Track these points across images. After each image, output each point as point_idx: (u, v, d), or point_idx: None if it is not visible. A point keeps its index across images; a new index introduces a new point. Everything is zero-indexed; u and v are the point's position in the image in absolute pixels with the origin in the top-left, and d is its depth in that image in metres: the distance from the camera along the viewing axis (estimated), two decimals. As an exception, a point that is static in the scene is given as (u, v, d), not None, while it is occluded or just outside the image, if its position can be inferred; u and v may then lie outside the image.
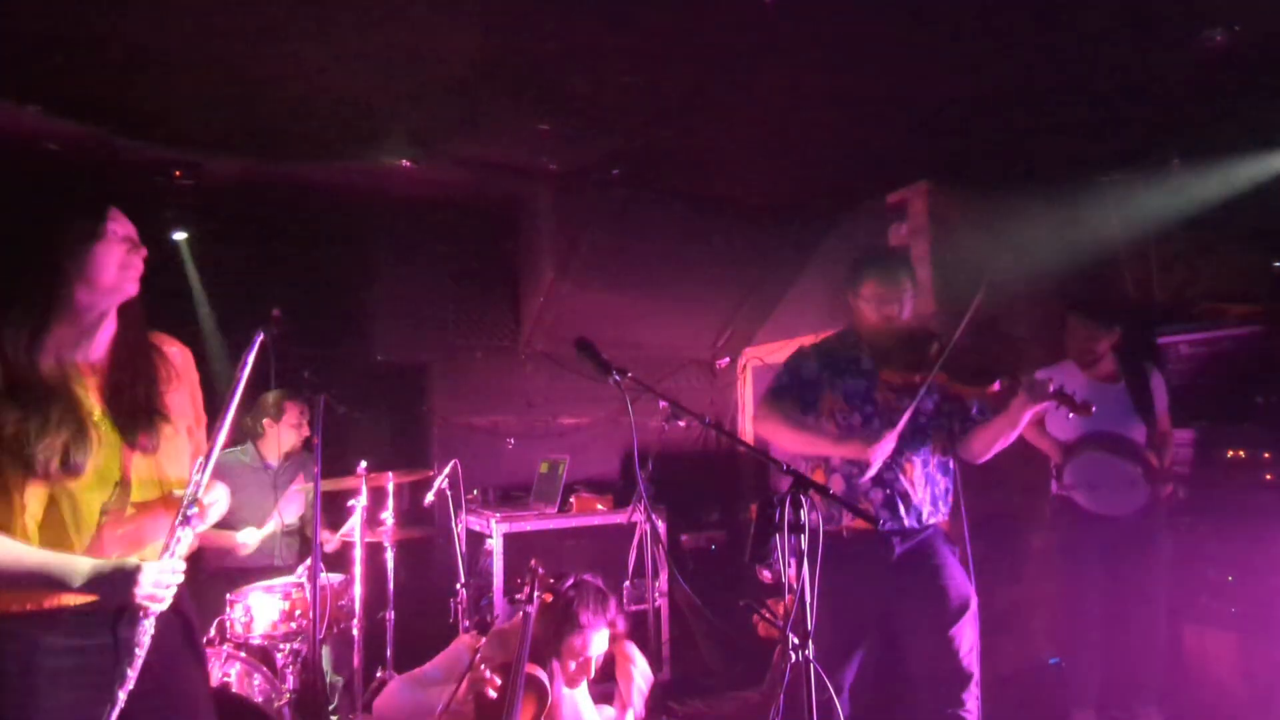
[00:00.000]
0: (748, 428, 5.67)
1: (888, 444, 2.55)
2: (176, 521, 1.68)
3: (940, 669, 2.65)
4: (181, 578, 1.68)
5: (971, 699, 2.65)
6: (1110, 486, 3.55)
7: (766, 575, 4.08)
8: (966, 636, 2.66)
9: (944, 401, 2.77)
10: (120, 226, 1.73)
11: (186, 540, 1.69)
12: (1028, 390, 2.51)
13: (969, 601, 2.69)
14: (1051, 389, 2.47)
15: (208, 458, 1.70)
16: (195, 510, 1.68)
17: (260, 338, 1.80)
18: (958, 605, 2.66)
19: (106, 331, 1.75)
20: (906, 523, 2.68)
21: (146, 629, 1.63)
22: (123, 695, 1.58)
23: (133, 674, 1.60)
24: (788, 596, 1.96)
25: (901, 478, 2.70)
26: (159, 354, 1.83)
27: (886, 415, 2.69)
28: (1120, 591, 3.63)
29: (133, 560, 1.64)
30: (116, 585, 1.61)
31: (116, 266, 1.70)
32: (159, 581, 1.63)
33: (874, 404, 2.73)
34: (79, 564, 1.60)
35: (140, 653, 1.61)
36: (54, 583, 1.58)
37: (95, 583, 1.60)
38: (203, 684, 1.91)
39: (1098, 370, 3.70)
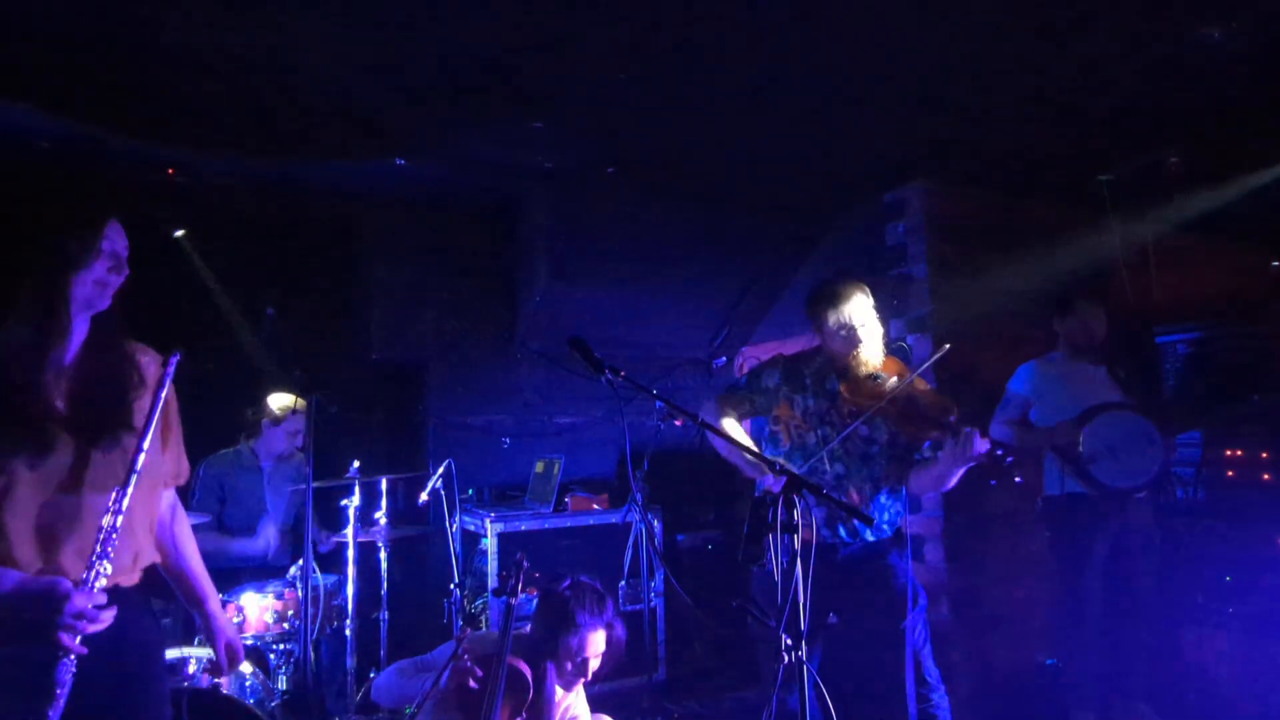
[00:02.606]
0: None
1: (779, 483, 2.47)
2: (94, 554, 1.62)
3: (896, 664, 2.69)
4: (109, 617, 1.62)
5: (936, 694, 2.73)
6: (1131, 448, 3.49)
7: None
8: (919, 631, 2.75)
9: (899, 435, 2.79)
10: (110, 243, 1.72)
11: (105, 573, 1.63)
12: (951, 450, 2.52)
13: (919, 597, 2.77)
14: (980, 450, 2.46)
15: (124, 487, 1.65)
16: (115, 541, 1.63)
17: (177, 359, 1.76)
18: (903, 599, 2.71)
19: (78, 337, 1.74)
20: (845, 539, 2.76)
21: (68, 668, 1.56)
22: None
23: (54, 716, 1.54)
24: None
25: (844, 500, 2.74)
26: (131, 362, 1.83)
27: (844, 441, 2.75)
28: (1120, 590, 3.61)
29: (65, 584, 1.59)
30: (40, 604, 1.56)
31: (93, 283, 1.70)
32: (82, 613, 1.57)
33: (831, 425, 2.78)
34: (6, 575, 1.57)
35: (62, 694, 1.55)
36: None
37: (19, 598, 1.57)
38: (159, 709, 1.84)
39: (1088, 354, 3.74)
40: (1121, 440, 3.50)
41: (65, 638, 1.56)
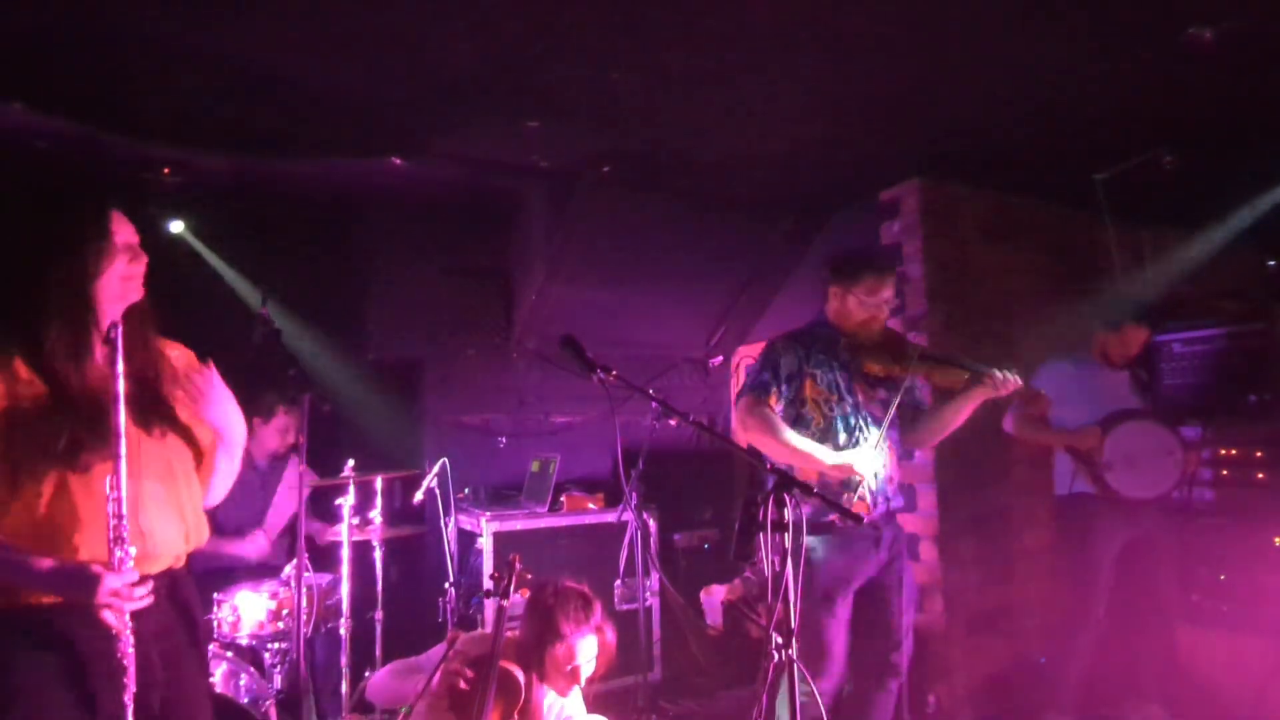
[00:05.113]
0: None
1: (868, 454, 2.71)
2: (110, 539, 1.66)
3: (890, 638, 2.90)
4: (146, 591, 1.68)
5: (903, 657, 2.93)
6: (1150, 459, 3.51)
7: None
8: (909, 613, 2.99)
9: (913, 390, 2.95)
10: (121, 235, 1.78)
11: (132, 554, 1.67)
12: (986, 385, 2.73)
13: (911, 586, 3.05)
14: (1010, 388, 2.72)
15: (115, 472, 1.67)
16: (127, 527, 1.67)
17: (120, 327, 1.76)
18: (909, 588, 2.99)
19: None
20: (893, 504, 2.88)
21: (127, 639, 1.64)
22: (128, 700, 1.62)
23: (129, 683, 1.63)
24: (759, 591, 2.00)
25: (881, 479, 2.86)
26: (162, 356, 1.90)
27: (867, 406, 2.85)
28: (1131, 590, 3.60)
29: (95, 566, 1.65)
30: (77, 586, 1.63)
31: (119, 278, 1.77)
32: (118, 591, 1.64)
33: (854, 395, 2.85)
34: (40, 562, 1.63)
35: (130, 665, 1.64)
36: (13, 576, 1.63)
37: (57, 581, 1.64)
38: (203, 688, 1.94)
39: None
40: (1141, 450, 3.51)
41: (109, 616, 1.63)
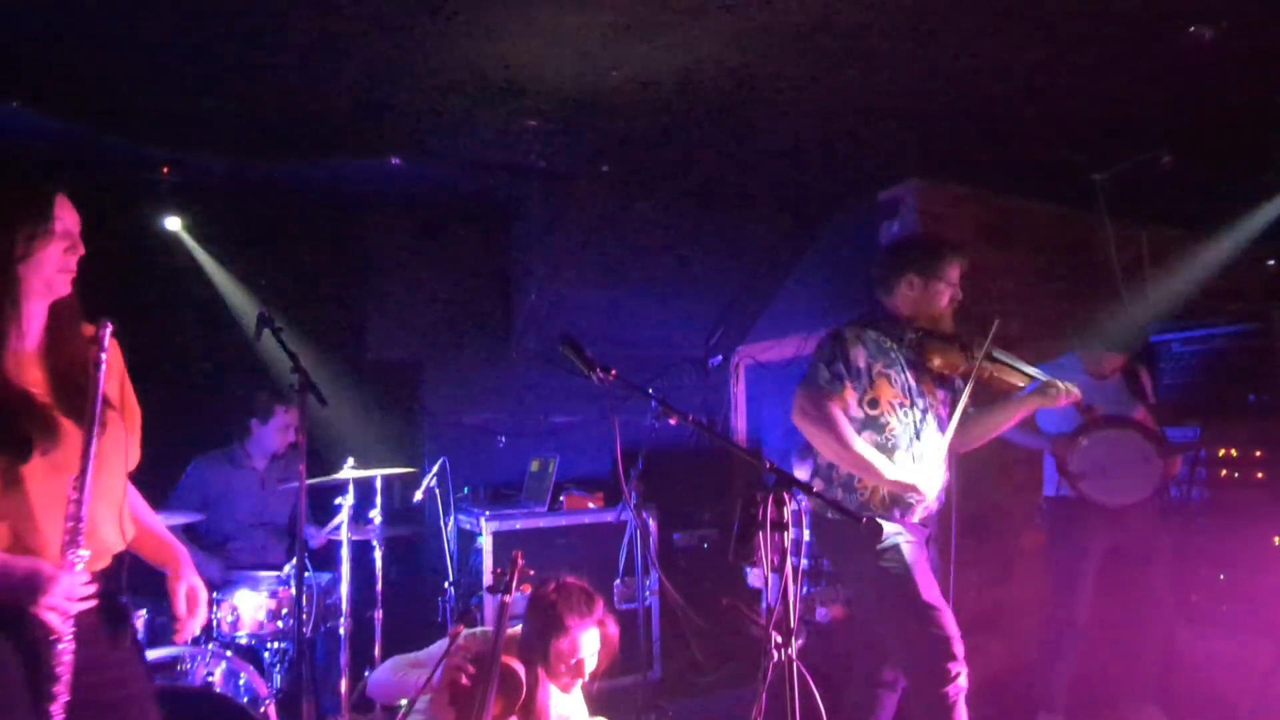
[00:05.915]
0: (740, 426, 5.65)
1: (932, 471, 2.61)
2: (66, 539, 1.59)
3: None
4: (89, 593, 1.60)
5: None
6: (1123, 467, 3.47)
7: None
8: None
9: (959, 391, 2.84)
10: (63, 221, 1.67)
11: (84, 557, 1.60)
12: (1044, 394, 2.70)
13: None
14: (1066, 398, 2.67)
15: (82, 474, 1.60)
16: (84, 528, 1.59)
17: (109, 329, 1.68)
18: None
19: (38, 322, 1.71)
20: (937, 506, 2.77)
21: (65, 650, 1.55)
22: (56, 711, 1.53)
23: (61, 692, 1.54)
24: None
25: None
26: (88, 344, 1.75)
27: (934, 408, 2.74)
28: (1124, 592, 3.61)
29: (50, 565, 1.57)
30: (26, 585, 1.54)
31: (53, 268, 1.66)
32: (69, 594, 1.56)
33: (924, 397, 2.72)
34: None
35: (64, 673, 1.54)
36: None
37: (4, 577, 1.54)
38: (145, 695, 1.80)
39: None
40: (1113, 460, 3.48)
41: (54, 620, 1.54)
